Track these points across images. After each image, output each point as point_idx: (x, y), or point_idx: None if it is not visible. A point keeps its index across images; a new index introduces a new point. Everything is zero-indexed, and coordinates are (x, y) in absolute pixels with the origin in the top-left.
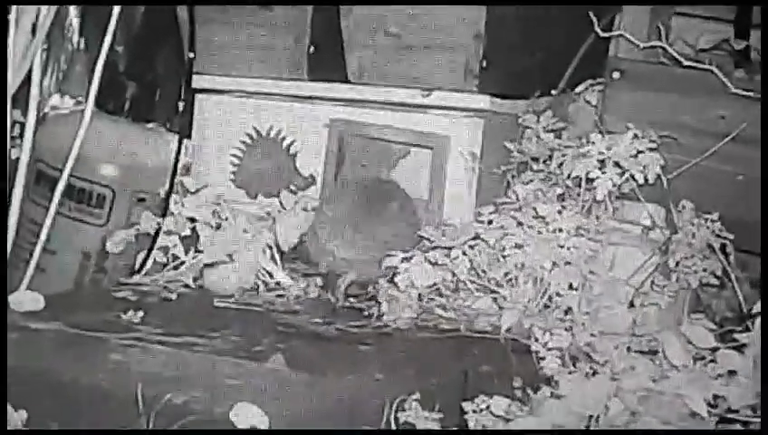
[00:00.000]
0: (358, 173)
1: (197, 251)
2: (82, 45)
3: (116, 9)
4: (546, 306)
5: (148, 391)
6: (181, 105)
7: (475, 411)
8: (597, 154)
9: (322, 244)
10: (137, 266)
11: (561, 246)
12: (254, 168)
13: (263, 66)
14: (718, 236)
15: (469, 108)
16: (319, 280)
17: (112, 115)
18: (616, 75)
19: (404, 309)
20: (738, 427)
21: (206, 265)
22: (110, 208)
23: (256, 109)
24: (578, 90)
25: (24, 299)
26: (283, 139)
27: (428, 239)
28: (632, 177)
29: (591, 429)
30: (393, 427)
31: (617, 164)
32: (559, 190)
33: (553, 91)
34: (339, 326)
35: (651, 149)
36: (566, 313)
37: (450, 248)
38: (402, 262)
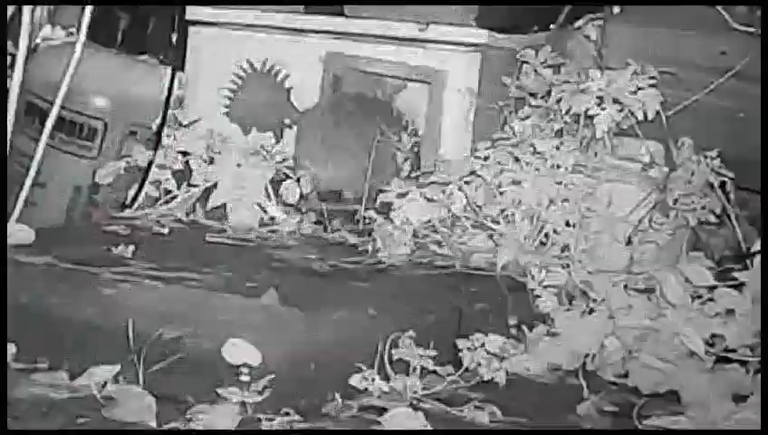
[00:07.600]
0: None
1: (190, 185)
2: None
3: None
4: (543, 243)
5: (139, 326)
6: (174, 37)
7: (469, 349)
8: (596, 90)
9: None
10: (128, 200)
11: (559, 183)
12: (248, 101)
13: None
14: (718, 173)
15: (467, 42)
16: (312, 215)
17: (105, 47)
18: (616, 10)
19: (399, 245)
20: (736, 366)
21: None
22: (102, 141)
23: (251, 41)
24: (577, 24)
25: (13, 232)
26: (278, 72)
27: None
28: (631, 113)
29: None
30: (387, 364)
31: (616, 100)
32: (557, 126)
33: (552, 26)
34: (333, 262)
35: (651, 86)
36: (563, 250)
37: (446, 184)
38: (398, 198)
